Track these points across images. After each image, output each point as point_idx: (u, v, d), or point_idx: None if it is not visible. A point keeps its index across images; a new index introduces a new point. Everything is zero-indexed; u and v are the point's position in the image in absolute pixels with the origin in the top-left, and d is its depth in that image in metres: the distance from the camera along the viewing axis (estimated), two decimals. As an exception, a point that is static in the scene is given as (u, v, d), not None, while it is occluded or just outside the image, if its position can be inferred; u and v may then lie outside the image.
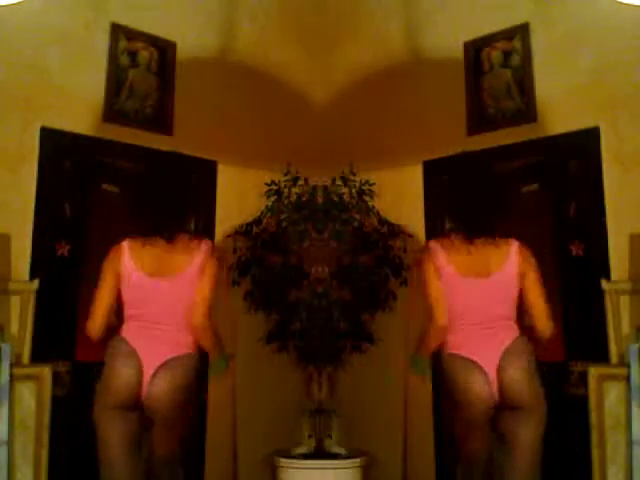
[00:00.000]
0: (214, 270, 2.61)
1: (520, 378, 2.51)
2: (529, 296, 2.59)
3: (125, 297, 2.57)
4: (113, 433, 2.47)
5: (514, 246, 2.61)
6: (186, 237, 2.63)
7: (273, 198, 3.97)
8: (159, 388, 2.44)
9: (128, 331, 2.55)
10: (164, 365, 2.46)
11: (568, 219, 3.60)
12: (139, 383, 2.45)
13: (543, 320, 2.58)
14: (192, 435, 2.83)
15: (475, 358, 2.51)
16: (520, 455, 2.52)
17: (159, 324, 2.53)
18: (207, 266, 2.58)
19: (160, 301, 2.53)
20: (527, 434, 2.52)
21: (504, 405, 2.51)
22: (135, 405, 2.47)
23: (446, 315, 2.56)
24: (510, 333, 2.57)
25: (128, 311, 2.57)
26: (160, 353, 2.48)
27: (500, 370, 2.50)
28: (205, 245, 2.62)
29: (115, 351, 2.53)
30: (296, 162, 4.04)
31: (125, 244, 2.60)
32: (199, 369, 2.60)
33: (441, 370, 2.63)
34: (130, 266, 2.55)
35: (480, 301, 2.56)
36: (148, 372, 2.46)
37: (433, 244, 2.66)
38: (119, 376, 2.47)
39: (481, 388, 2.48)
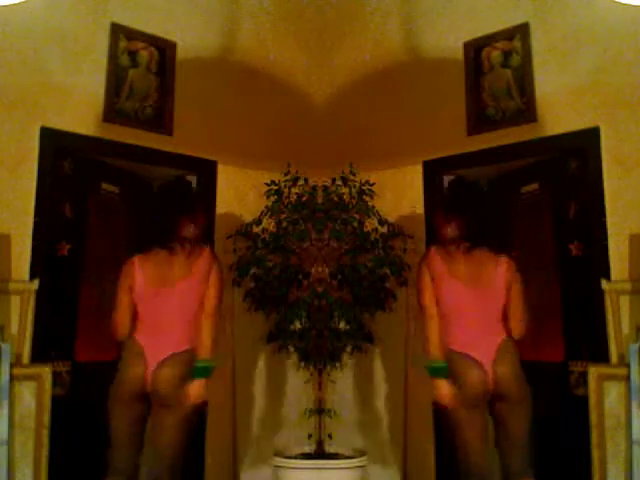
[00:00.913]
0: (218, 274, 3.02)
1: (510, 373, 2.87)
2: (511, 304, 2.98)
3: (137, 306, 2.95)
4: (122, 420, 2.84)
5: (503, 262, 3.01)
6: (187, 246, 3.01)
7: (273, 198, 3.96)
8: (160, 377, 2.80)
9: (138, 332, 2.91)
10: (166, 360, 2.81)
11: (568, 219, 3.60)
12: (144, 376, 2.80)
13: (516, 321, 2.98)
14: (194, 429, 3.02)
15: (474, 354, 2.87)
16: (515, 440, 2.90)
17: (164, 325, 2.89)
18: (211, 271, 2.99)
19: (165, 307, 2.91)
20: (519, 422, 2.89)
21: (497, 396, 2.86)
22: (142, 395, 2.81)
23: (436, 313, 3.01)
24: (500, 335, 2.94)
25: (140, 315, 2.94)
26: (163, 350, 2.83)
27: (494, 365, 2.86)
28: (205, 251, 3.02)
29: (127, 349, 2.90)
30: (296, 162, 4.04)
31: (136, 260, 2.98)
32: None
33: None
34: (140, 281, 2.93)
35: (477, 306, 2.95)
36: (152, 366, 2.81)
37: (434, 251, 3.08)
38: (128, 370, 2.84)
39: (479, 381, 2.84)
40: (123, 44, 3.78)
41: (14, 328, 3.21)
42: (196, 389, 2.84)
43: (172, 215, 3.10)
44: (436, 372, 2.92)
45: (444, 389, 2.89)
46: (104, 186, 3.90)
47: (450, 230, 3.08)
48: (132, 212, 4.07)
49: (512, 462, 2.89)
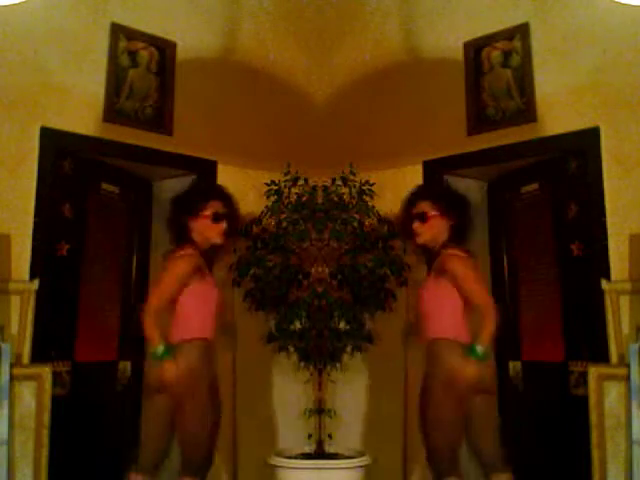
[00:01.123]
0: (167, 270, 3.00)
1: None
2: None
3: None
4: (148, 411, 2.98)
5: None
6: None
7: (273, 198, 3.96)
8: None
9: None
10: None
11: (568, 219, 3.60)
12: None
13: None
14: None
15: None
16: (488, 430, 2.93)
17: None
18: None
19: None
20: (494, 413, 2.97)
21: (479, 388, 2.88)
22: (160, 388, 2.89)
23: None
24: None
25: None
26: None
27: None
28: (177, 251, 3.03)
29: None
30: (296, 162, 4.04)
31: None
32: (197, 354, 2.94)
33: (436, 356, 2.96)
34: None
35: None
36: None
37: (466, 253, 3.03)
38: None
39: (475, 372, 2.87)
40: (123, 44, 3.78)
41: (14, 328, 3.20)
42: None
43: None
44: (484, 357, 2.88)
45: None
46: (104, 186, 3.90)
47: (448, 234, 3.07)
48: (132, 212, 4.07)
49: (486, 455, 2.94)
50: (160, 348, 2.85)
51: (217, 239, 3.10)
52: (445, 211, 3.04)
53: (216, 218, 3.07)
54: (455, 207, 3.09)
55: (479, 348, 2.85)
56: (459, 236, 3.07)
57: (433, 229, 3.04)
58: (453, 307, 2.96)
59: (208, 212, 3.06)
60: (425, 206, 3.06)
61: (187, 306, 2.96)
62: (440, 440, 2.92)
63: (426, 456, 3.01)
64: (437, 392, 2.91)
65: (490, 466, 2.92)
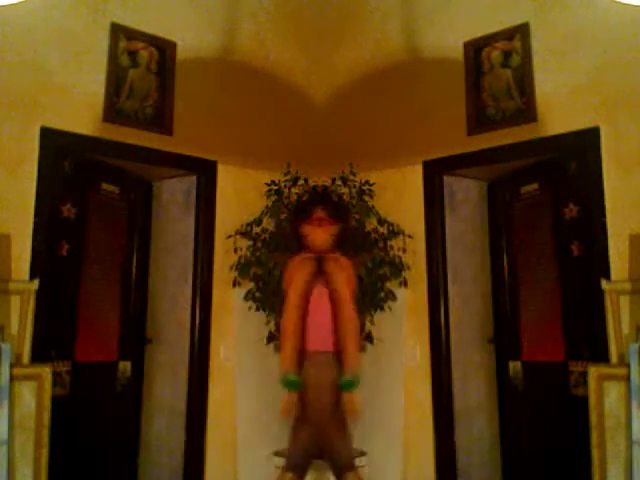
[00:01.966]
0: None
1: None
2: None
3: None
4: None
5: None
6: None
7: (273, 198, 3.97)
8: None
9: None
10: None
11: (568, 219, 3.60)
12: None
13: None
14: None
15: None
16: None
17: None
18: None
19: None
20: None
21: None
22: None
23: None
24: None
25: None
26: None
27: None
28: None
29: None
30: (296, 162, 4.05)
31: None
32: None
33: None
34: None
35: None
36: None
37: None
38: None
39: None
40: (123, 44, 3.78)
41: (14, 328, 3.21)
42: None
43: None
44: (357, 383, 3.21)
45: None
46: (104, 186, 3.90)
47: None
48: (132, 212, 4.07)
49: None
50: None
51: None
52: (335, 217, 3.10)
53: (321, 223, 3.08)
54: (342, 214, 3.17)
55: (352, 378, 3.04)
56: (341, 243, 3.13)
57: (326, 233, 3.08)
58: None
59: (314, 216, 3.08)
60: (318, 211, 3.11)
61: None
62: None
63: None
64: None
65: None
